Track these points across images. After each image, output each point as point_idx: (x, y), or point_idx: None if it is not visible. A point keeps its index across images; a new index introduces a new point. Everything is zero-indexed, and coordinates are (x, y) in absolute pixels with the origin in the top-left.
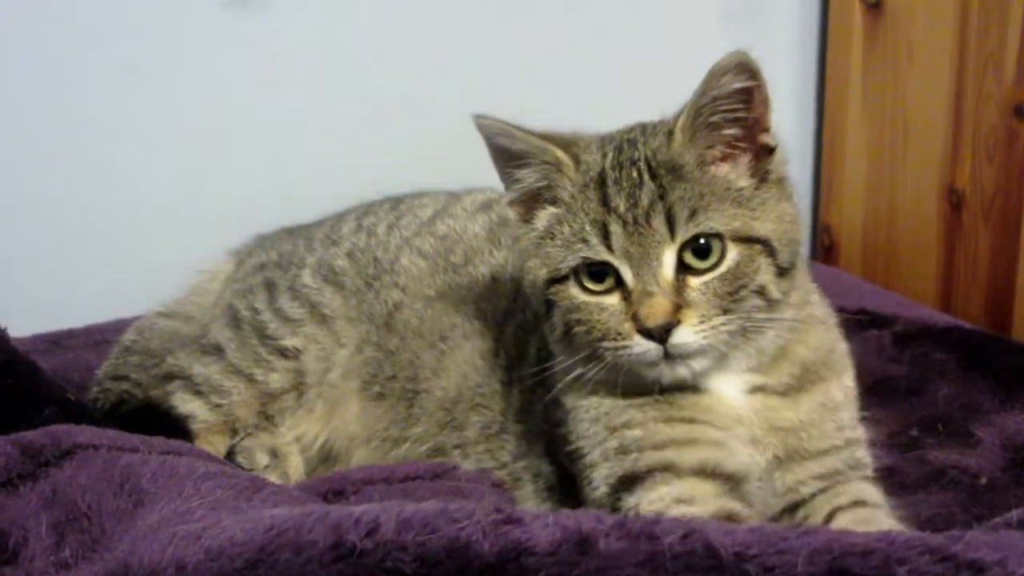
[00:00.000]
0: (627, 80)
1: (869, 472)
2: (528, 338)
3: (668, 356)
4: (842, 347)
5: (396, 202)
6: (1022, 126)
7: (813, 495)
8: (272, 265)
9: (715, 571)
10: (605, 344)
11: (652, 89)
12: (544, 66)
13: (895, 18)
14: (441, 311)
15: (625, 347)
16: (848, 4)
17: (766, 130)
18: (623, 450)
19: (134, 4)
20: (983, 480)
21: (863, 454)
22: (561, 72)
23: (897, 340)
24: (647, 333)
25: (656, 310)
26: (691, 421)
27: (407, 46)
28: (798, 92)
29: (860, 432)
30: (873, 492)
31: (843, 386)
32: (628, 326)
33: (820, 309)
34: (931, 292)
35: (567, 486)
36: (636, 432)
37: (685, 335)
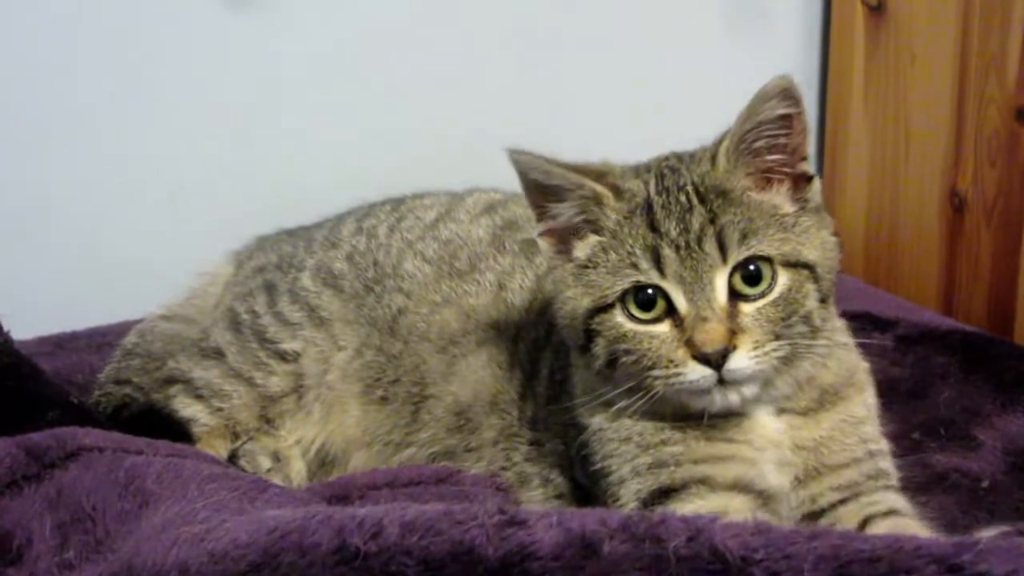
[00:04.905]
0: (626, 80)
1: (893, 482)
2: (540, 355)
3: (721, 382)
4: (863, 366)
5: (397, 203)
6: (1023, 129)
7: (833, 505)
8: (272, 267)
9: (721, 574)
10: (655, 373)
11: (651, 89)
12: (544, 66)
13: (897, 21)
14: (450, 317)
15: (678, 375)
16: (850, 7)
17: (804, 158)
18: (659, 464)
19: (134, 4)
20: (984, 483)
21: (886, 465)
22: (561, 72)
23: (899, 343)
24: (703, 359)
25: (714, 335)
26: (729, 440)
27: (409, 46)
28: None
29: (884, 444)
30: (901, 501)
31: (865, 402)
32: (682, 353)
33: (842, 334)
34: (933, 295)
35: (578, 496)
36: (676, 448)
37: (740, 360)
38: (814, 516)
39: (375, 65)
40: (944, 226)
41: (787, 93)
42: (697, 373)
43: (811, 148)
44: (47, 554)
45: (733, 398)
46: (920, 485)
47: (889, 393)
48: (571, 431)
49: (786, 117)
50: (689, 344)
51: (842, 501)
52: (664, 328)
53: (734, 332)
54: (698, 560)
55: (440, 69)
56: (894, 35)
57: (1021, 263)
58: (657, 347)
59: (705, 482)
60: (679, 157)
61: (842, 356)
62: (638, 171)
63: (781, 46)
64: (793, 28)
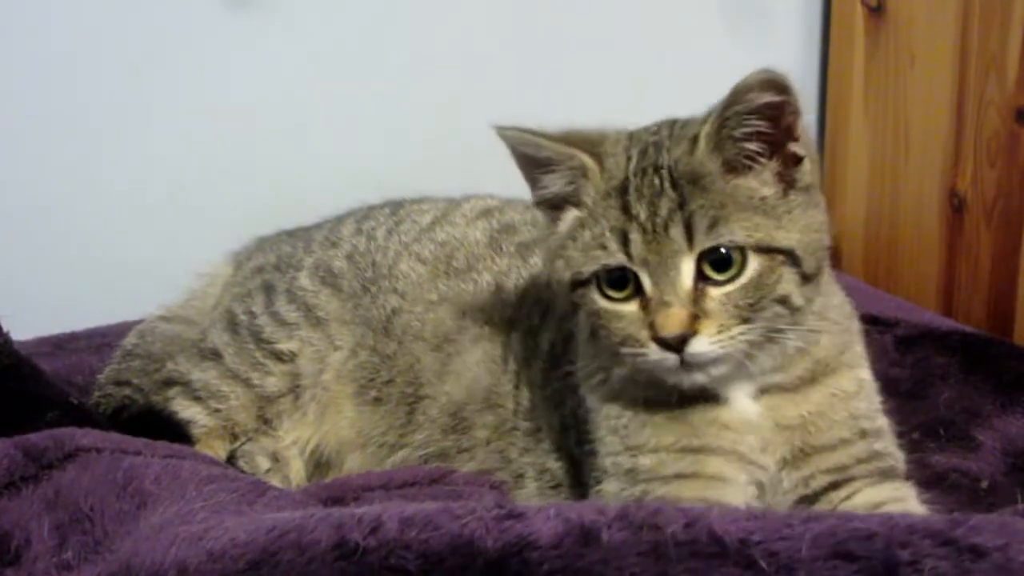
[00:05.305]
0: (627, 81)
1: (891, 463)
2: (536, 340)
3: (685, 364)
4: (858, 348)
5: (396, 207)
6: (1023, 130)
7: (825, 489)
8: (270, 268)
9: (719, 558)
10: (625, 349)
11: (652, 90)
12: (544, 68)
13: (897, 22)
14: (445, 315)
15: (642, 354)
16: (850, 8)
17: (795, 139)
18: (633, 475)
19: (135, 4)
20: (984, 484)
21: (883, 446)
22: (561, 73)
23: (899, 344)
24: (663, 342)
25: (671, 320)
26: (699, 451)
27: (409, 46)
28: (799, 95)
29: (881, 423)
30: (895, 490)
31: (857, 378)
32: (645, 334)
33: (838, 312)
34: (932, 296)
35: (573, 482)
36: (648, 460)
37: (701, 345)
38: (808, 500)
39: (375, 65)
40: (944, 227)
41: (768, 84)
42: (658, 355)
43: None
44: (45, 555)
45: (699, 378)
46: (920, 485)
47: (889, 393)
48: (569, 398)
49: (773, 105)
50: (651, 327)
51: (834, 485)
52: (633, 308)
53: (697, 317)
54: (696, 544)
55: (440, 69)
56: (894, 36)
57: (1021, 263)
58: (625, 326)
59: (675, 501)
60: (671, 129)
61: (836, 333)
62: (630, 143)
63: (781, 46)
64: (793, 28)
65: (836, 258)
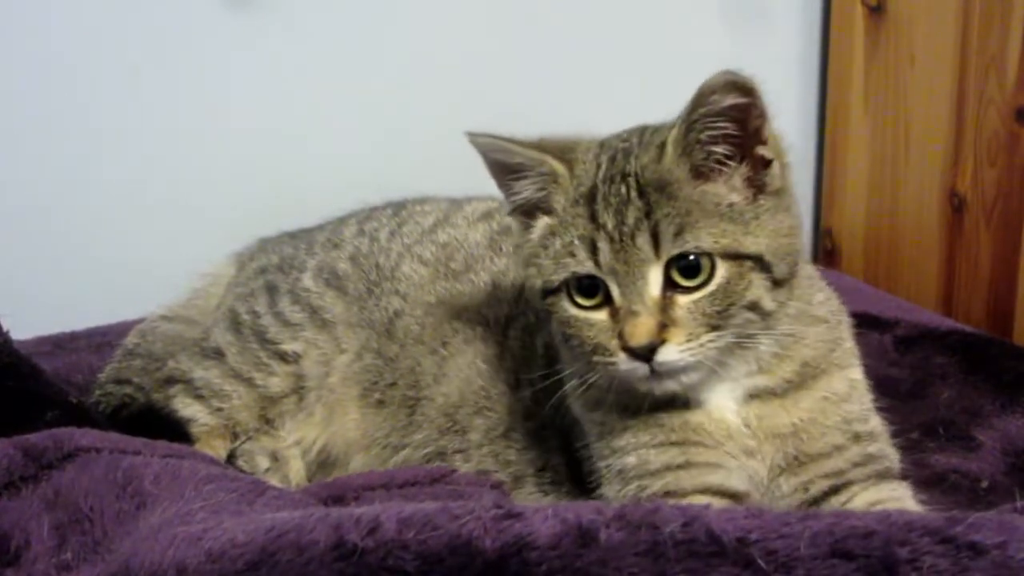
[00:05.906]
0: (626, 81)
1: (886, 465)
2: (533, 339)
3: (655, 372)
4: (848, 345)
5: (398, 208)
6: (1023, 130)
7: (825, 494)
8: (273, 269)
9: (717, 557)
10: (596, 358)
11: (651, 91)
12: (544, 68)
13: (897, 22)
14: (442, 317)
15: (612, 363)
16: (850, 7)
17: (763, 142)
18: (623, 476)
19: (135, 4)
20: (984, 484)
21: (878, 448)
22: (561, 74)
23: (898, 343)
24: (631, 352)
25: (639, 330)
26: (681, 443)
27: (409, 46)
28: (800, 95)
29: (874, 424)
30: (892, 491)
31: (847, 378)
32: (614, 343)
33: (823, 309)
34: (932, 296)
35: (576, 479)
36: (630, 459)
37: (670, 354)
38: (808, 505)
39: (375, 65)
40: (944, 226)
41: (731, 86)
42: (628, 365)
43: (811, 148)
44: (45, 555)
45: (671, 385)
46: (919, 485)
47: (889, 393)
48: (563, 406)
49: (737, 107)
50: (620, 336)
51: (833, 490)
52: (603, 316)
53: (665, 325)
54: (694, 544)
55: (440, 69)
56: (894, 35)
57: (1021, 263)
58: (595, 335)
59: (672, 494)
60: (641, 135)
61: (821, 331)
62: (600, 150)
63: (781, 46)
64: (793, 28)
65: (836, 257)
